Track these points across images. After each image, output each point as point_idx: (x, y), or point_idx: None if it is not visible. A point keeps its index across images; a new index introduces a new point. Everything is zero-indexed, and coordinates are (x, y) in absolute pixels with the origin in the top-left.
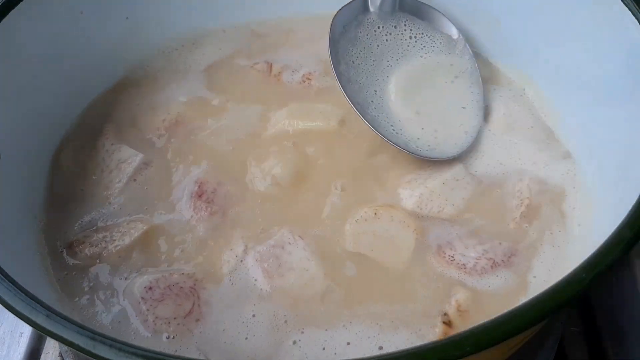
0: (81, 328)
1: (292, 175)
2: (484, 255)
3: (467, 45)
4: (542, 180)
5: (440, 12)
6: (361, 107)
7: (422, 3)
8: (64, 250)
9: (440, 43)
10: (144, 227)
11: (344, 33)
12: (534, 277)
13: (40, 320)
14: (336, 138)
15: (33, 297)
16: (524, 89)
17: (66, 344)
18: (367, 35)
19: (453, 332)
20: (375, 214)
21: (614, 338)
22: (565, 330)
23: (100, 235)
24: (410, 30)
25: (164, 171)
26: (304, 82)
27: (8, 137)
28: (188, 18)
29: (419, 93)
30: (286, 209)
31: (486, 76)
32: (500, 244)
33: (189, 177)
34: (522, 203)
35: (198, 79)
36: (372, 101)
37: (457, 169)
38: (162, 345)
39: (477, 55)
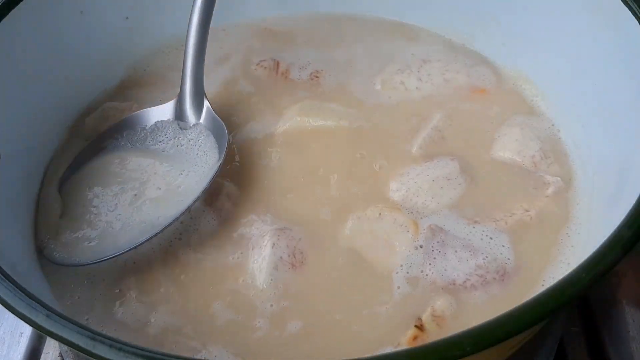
0: (81, 328)
1: (299, 171)
2: (476, 272)
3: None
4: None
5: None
6: None
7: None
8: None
9: None
10: None
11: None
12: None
13: (40, 320)
14: (346, 137)
15: (33, 297)
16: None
17: (66, 344)
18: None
19: (425, 338)
20: (380, 214)
21: (614, 338)
22: (565, 330)
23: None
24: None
25: None
26: (313, 79)
27: (8, 137)
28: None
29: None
30: (290, 207)
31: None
32: (495, 259)
33: None
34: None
35: None
36: None
37: (451, 168)
38: (151, 325)
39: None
